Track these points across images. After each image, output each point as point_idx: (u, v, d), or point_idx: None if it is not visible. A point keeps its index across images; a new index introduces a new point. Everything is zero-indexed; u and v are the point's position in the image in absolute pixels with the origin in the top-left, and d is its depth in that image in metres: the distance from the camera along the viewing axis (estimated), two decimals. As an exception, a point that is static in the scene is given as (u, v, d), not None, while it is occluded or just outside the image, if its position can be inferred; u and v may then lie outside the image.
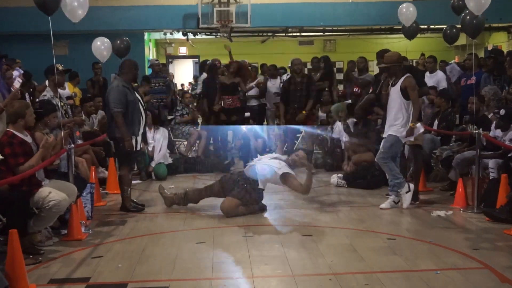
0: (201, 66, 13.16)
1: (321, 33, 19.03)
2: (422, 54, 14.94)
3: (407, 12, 11.65)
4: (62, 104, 7.68)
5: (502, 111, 7.77)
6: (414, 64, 15.24)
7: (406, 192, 7.64)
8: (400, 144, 7.71)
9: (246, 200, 7.42)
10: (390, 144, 7.56)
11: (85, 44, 11.63)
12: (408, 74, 7.54)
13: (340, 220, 7.19)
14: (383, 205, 7.70)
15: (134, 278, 5.18)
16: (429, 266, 5.40)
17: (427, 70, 11.17)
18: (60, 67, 7.77)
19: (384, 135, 7.71)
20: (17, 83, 6.24)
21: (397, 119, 7.51)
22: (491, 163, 7.58)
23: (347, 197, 8.52)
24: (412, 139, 7.61)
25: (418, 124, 7.60)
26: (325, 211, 7.65)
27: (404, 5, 12.00)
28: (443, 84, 10.75)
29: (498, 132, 7.80)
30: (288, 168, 7.48)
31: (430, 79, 10.80)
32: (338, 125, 10.58)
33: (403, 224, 6.96)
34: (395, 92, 7.56)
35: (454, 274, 5.15)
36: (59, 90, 8.73)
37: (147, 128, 10.34)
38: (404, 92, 7.45)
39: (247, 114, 11.82)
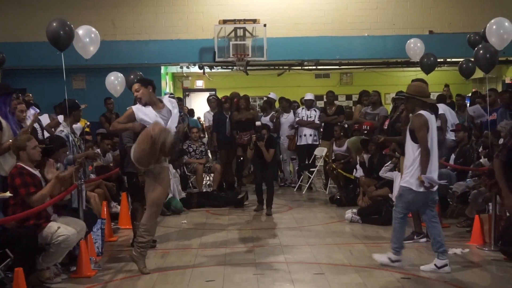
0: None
1: (337, 66, 19.01)
2: (446, 85, 14.19)
3: (415, 47, 11.66)
4: (76, 139, 7.70)
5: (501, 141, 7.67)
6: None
7: (392, 261, 6.50)
8: (416, 197, 6.40)
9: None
10: (401, 198, 6.48)
11: (102, 78, 11.68)
12: (419, 112, 6.40)
13: (354, 257, 7.04)
14: (422, 267, 6.52)
15: (141, 318, 5.09)
16: (444, 307, 5.25)
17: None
18: (83, 106, 7.85)
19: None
20: (29, 121, 6.27)
21: (406, 165, 6.47)
22: (508, 200, 7.40)
23: (361, 233, 8.36)
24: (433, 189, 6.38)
25: (431, 175, 6.30)
26: (338, 248, 7.50)
27: (412, 40, 12.00)
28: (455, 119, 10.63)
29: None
30: None
31: None
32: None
33: (417, 262, 6.77)
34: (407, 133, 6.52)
35: (470, 316, 5.00)
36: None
37: None
38: (412, 133, 6.40)
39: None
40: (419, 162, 6.29)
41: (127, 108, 6.70)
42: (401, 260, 6.52)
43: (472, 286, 5.84)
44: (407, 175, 6.40)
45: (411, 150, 6.39)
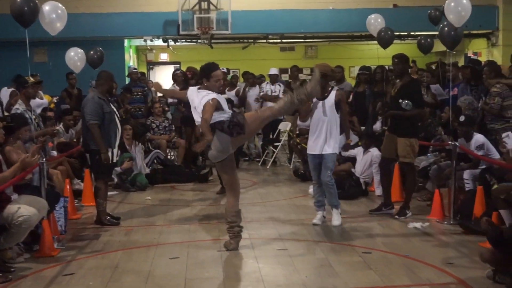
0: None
1: (302, 40, 19.03)
2: (413, 61, 14.04)
3: (375, 23, 11.70)
4: (34, 117, 7.57)
5: (462, 118, 7.79)
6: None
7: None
8: None
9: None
10: (334, 163, 7.50)
11: (65, 52, 11.47)
12: (337, 88, 7.59)
13: (316, 232, 7.14)
14: (336, 223, 7.38)
15: (105, 297, 5.11)
16: (403, 281, 5.38)
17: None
18: (31, 79, 7.65)
19: (315, 152, 7.32)
20: None
21: (332, 135, 7.28)
22: (466, 174, 7.60)
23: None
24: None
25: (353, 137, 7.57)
26: (301, 224, 7.58)
27: (372, 16, 12.01)
28: None
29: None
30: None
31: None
32: None
33: (379, 237, 6.92)
34: (328, 106, 7.23)
35: (428, 290, 5.14)
36: (37, 100, 8.65)
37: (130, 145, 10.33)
38: (338, 106, 7.27)
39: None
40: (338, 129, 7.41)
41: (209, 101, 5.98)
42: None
43: (431, 259, 5.97)
44: (336, 142, 7.32)
45: (335, 120, 7.28)
